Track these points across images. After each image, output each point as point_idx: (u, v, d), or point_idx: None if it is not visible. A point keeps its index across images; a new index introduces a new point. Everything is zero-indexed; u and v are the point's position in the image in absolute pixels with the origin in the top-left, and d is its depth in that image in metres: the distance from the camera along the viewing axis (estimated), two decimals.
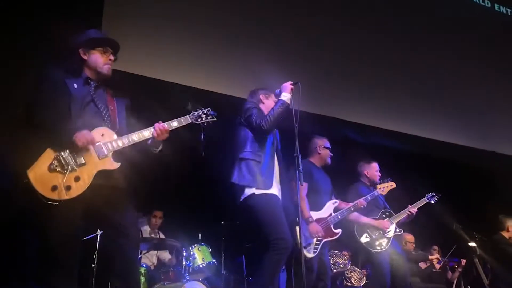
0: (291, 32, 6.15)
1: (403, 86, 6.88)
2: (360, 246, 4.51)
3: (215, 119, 2.98)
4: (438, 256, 6.28)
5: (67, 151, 2.55)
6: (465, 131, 7.14)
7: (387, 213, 4.64)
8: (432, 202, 4.81)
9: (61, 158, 2.52)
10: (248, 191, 3.22)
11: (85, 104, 2.71)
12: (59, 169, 2.50)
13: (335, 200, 4.21)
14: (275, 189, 3.27)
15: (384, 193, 4.47)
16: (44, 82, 2.67)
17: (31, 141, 2.49)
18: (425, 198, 4.80)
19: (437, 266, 6.38)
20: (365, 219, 4.53)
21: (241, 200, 3.26)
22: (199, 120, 2.93)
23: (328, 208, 4.14)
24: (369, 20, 6.81)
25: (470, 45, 7.56)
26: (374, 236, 4.47)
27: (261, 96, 3.61)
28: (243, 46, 5.68)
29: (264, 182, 3.22)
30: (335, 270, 5.21)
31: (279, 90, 3.42)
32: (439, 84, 7.15)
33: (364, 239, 4.47)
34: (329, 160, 4.36)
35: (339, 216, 4.13)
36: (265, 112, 3.42)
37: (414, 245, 6.10)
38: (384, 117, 6.54)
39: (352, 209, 4.20)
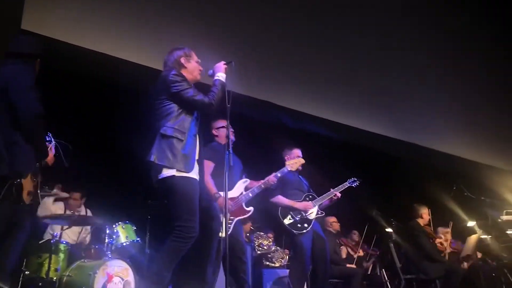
0: (227, 10, 6.07)
1: (335, 75, 7.06)
2: (283, 227, 4.60)
3: None
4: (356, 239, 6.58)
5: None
6: (389, 122, 7.48)
7: (310, 197, 4.77)
8: (353, 186, 4.99)
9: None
10: (167, 172, 2.98)
11: None
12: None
13: (245, 179, 4.22)
14: (195, 172, 3.09)
15: (293, 169, 4.48)
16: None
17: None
18: (346, 183, 4.96)
19: (359, 251, 6.71)
20: (288, 202, 4.63)
21: (159, 178, 3.01)
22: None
23: (239, 187, 4.15)
24: (305, 3, 6.88)
25: (398, 38, 7.87)
26: (297, 218, 4.57)
27: (182, 60, 3.25)
28: (173, 21, 5.52)
29: (186, 164, 3.00)
30: (259, 252, 5.32)
31: (212, 70, 3.30)
32: (368, 76, 7.41)
33: (287, 220, 4.57)
34: (232, 137, 4.13)
35: (250, 194, 4.14)
36: (187, 76, 3.21)
37: (339, 224, 6.29)
38: (315, 104, 6.68)
39: (263, 186, 4.20)
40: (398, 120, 7.62)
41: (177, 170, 2.98)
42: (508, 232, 6.41)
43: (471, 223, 6.80)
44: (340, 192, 4.86)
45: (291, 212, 4.61)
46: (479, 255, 6.41)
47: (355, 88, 7.26)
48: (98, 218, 4.78)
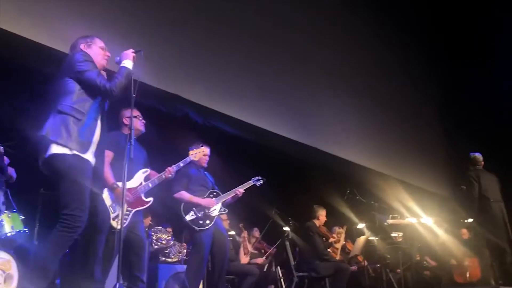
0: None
1: (245, 75, 7.16)
2: (184, 223, 4.54)
3: None
4: (245, 235, 6.71)
5: None
6: (293, 125, 7.76)
7: (214, 193, 4.77)
8: (257, 184, 5.05)
9: None
10: (58, 149, 2.82)
11: None
12: None
13: (145, 169, 4.10)
14: (90, 156, 2.96)
15: (196, 159, 4.42)
16: None
17: None
18: (251, 181, 5.00)
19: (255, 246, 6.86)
20: (193, 198, 4.57)
21: (47, 156, 2.83)
22: None
23: (139, 178, 4.02)
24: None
25: (310, 45, 8.20)
26: (199, 215, 4.53)
27: (81, 46, 3.14)
28: (83, 7, 5.25)
29: (80, 144, 2.87)
30: (156, 246, 5.22)
31: (119, 57, 3.18)
32: (277, 79, 7.63)
33: (189, 217, 4.51)
34: (142, 128, 4.13)
35: (150, 185, 4.03)
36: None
37: (228, 222, 6.35)
38: (223, 101, 6.71)
39: (164, 176, 4.10)
40: (302, 124, 7.91)
41: (71, 150, 2.84)
42: (392, 234, 6.98)
43: (361, 225, 7.27)
44: (243, 190, 4.90)
45: (193, 209, 4.55)
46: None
47: (264, 90, 7.41)
48: None
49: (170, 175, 4.15)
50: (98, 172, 3.11)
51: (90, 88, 2.97)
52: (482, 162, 6.18)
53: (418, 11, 9.94)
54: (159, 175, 4.12)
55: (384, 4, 9.41)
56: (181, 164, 4.27)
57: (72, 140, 2.84)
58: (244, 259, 6.40)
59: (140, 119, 4.14)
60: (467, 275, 6.73)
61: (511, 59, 9.23)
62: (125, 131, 4.03)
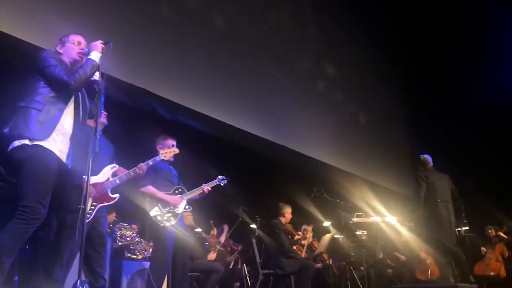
0: None
1: (215, 71, 7.12)
2: (148, 219, 4.45)
3: None
4: (214, 232, 6.66)
5: None
6: (262, 123, 7.77)
7: (180, 190, 4.70)
8: (222, 184, 5.01)
9: None
10: (18, 141, 2.81)
11: None
12: None
13: (113, 165, 4.04)
14: (55, 145, 2.90)
15: (166, 158, 4.41)
16: None
17: None
18: (216, 180, 4.96)
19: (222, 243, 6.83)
20: (159, 194, 4.48)
21: (8, 150, 2.82)
22: None
23: (106, 173, 3.96)
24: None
25: (273, 46, 8.22)
26: (164, 211, 4.45)
27: (57, 48, 3.18)
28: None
29: (39, 130, 2.82)
30: (120, 243, 5.12)
31: (87, 49, 3.14)
32: (247, 77, 7.63)
33: (154, 212, 4.41)
34: (105, 121, 4.10)
35: (117, 181, 3.97)
36: (65, 60, 3.11)
37: (192, 217, 6.27)
38: (191, 97, 6.65)
39: (132, 173, 4.06)
40: (270, 122, 7.93)
41: (30, 140, 2.81)
42: (357, 232, 7.10)
43: (326, 223, 7.36)
44: (210, 188, 4.86)
45: (159, 204, 4.46)
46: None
47: (232, 87, 7.39)
48: None
49: (141, 172, 4.11)
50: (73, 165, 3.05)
51: (50, 83, 2.97)
52: (431, 163, 6.33)
53: (386, 14, 10.14)
54: (127, 171, 4.05)
55: (355, 7, 9.55)
56: (150, 162, 4.22)
57: (29, 129, 2.82)
58: (210, 256, 6.36)
59: (102, 111, 4.05)
60: (429, 273, 6.91)
61: (476, 64, 9.52)
62: (90, 123, 3.94)
